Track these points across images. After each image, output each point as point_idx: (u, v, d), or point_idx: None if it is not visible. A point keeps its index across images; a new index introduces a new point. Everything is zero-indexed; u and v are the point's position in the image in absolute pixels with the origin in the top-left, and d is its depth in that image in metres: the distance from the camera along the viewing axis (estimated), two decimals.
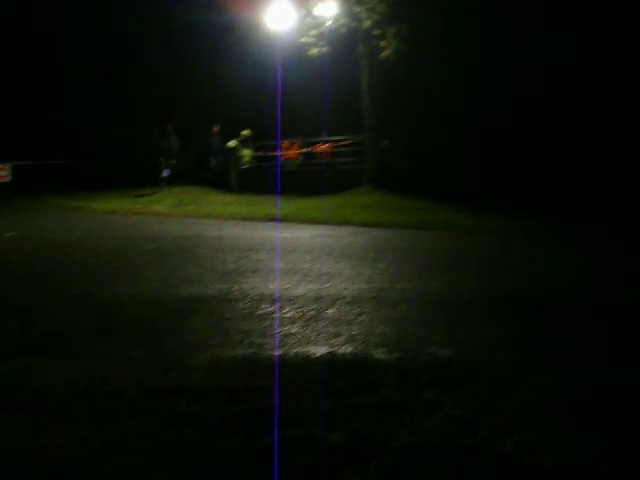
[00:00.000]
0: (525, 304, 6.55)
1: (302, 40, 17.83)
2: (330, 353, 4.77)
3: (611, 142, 15.66)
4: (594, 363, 4.51)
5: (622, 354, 4.79)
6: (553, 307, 6.43)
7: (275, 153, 22.48)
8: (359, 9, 17.28)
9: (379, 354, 4.74)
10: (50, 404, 3.59)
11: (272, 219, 15.05)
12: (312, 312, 5.97)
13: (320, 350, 4.86)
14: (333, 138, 21.25)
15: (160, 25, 24.72)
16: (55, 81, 25.94)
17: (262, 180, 20.57)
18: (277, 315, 5.88)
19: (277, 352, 4.80)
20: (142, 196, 20.53)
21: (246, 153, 22.64)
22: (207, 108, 24.79)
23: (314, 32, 17.73)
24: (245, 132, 22.55)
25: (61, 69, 26.03)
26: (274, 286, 7.18)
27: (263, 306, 6.22)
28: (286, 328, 5.43)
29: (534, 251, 10.67)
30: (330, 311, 6.02)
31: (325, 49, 17.97)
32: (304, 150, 22.89)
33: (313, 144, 22.73)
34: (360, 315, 5.86)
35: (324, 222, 14.20)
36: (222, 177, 22.41)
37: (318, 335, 5.24)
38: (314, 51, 18.00)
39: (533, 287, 7.40)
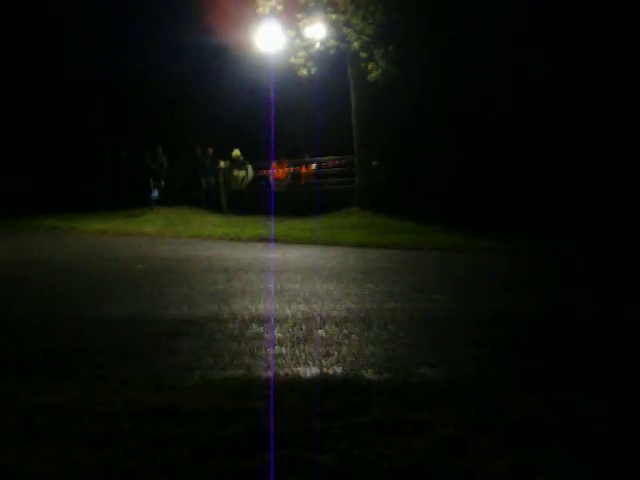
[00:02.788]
0: (514, 323, 6.56)
1: (291, 61, 17.96)
2: (320, 374, 4.77)
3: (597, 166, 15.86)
4: (584, 382, 4.52)
5: (613, 373, 4.80)
6: (542, 325, 6.46)
7: (263, 173, 22.55)
8: (348, 31, 17.43)
9: (369, 374, 4.73)
10: (38, 426, 3.56)
11: (261, 239, 15.07)
12: (302, 332, 5.97)
13: (310, 371, 4.85)
14: (321, 159, 21.34)
15: (151, 47, 24.88)
16: (48, 103, 26.01)
17: (251, 201, 20.63)
18: (267, 336, 5.88)
19: (267, 373, 4.79)
20: (132, 217, 20.53)
21: (240, 174, 22.60)
22: (198, 129, 24.90)
23: (303, 53, 17.86)
24: (235, 152, 22.59)
25: (53, 92, 26.11)
26: (264, 307, 7.18)
27: (253, 326, 6.21)
28: (276, 349, 5.43)
29: (522, 270, 10.73)
30: (320, 331, 6.02)
31: (313, 70, 18.10)
32: (292, 170, 22.95)
33: (301, 165, 22.81)
34: (350, 335, 5.86)
35: (313, 243, 14.23)
36: (212, 198, 22.44)
37: (308, 355, 5.23)
38: (303, 72, 18.12)
39: (522, 305, 7.42)
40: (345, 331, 6.02)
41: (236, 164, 22.55)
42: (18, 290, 8.70)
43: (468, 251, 12.58)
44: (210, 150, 23.01)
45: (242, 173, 22.77)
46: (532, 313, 7.06)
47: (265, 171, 22.68)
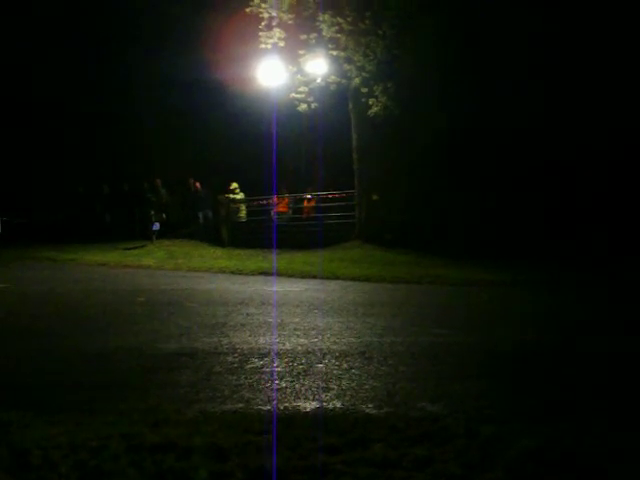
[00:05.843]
0: (515, 357, 6.52)
1: (292, 96, 18.13)
2: (320, 408, 4.72)
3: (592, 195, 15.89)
4: (586, 418, 4.47)
5: (617, 409, 4.75)
6: (544, 360, 6.40)
7: (266, 207, 22.61)
8: (349, 67, 17.59)
9: (369, 409, 4.68)
10: (33, 459, 3.51)
11: (261, 273, 15.05)
12: (302, 366, 5.92)
13: (310, 405, 4.80)
14: (322, 193, 21.41)
15: (153, 80, 25.09)
16: (46, 137, 26.19)
17: (252, 234, 20.65)
18: (266, 369, 5.83)
19: (266, 407, 4.74)
20: (133, 249, 20.54)
21: (240, 207, 22.70)
22: (199, 162, 25.02)
23: (304, 88, 18.03)
24: (234, 185, 22.70)
25: (52, 126, 26.31)
26: (263, 340, 7.14)
27: (252, 360, 6.16)
28: (276, 382, 5.38)
29: (522, 304, 10.68)
30: (320, 365, 5.98)
31: (313, 105, 18.26)
32: (292, 204, 23.04)
33: (302, 199, 22.90)
34: (350, 369, 5.82)
35: (314, 276, 14.21)
36: (210, 231, 22.45)
37: (308, 390, 5.18)
38: (303, 106, 18.27)
39: (523, 340, 7.37)
40: (345, 365, 5.98)
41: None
42: (14, 322, 8.65)
43: (470, 285, 12.57)
44: (197, 184, 23.07)
45: (243, 205, 22.79)
46: (536, 348, 7.00)
47: (266, 204, 22.74)
